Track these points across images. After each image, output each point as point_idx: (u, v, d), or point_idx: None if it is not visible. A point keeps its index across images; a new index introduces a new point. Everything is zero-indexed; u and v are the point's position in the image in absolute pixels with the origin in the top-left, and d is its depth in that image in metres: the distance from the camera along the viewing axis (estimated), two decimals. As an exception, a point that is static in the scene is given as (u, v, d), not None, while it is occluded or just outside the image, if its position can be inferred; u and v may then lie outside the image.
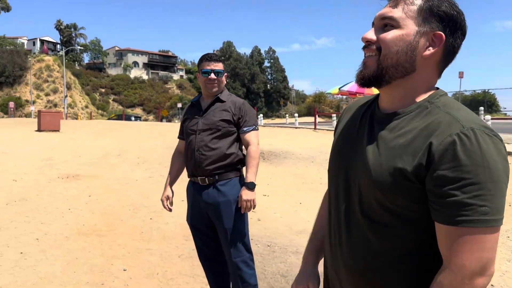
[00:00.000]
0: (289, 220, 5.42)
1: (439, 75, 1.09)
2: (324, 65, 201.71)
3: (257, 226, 5.14)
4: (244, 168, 2.77)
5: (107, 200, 6.45)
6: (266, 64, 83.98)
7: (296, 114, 26.67)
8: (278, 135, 16.29)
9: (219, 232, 2.71)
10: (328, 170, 1.25)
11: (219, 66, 2.70)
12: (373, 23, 1.09)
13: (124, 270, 3.81)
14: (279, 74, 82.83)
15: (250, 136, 2.71)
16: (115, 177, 8.33)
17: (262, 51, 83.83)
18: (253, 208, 2.64)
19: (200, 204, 2.73)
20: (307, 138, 15.01)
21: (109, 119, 40.55)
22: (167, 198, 2.86)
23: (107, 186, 7.47)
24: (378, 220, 1.03)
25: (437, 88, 1.09)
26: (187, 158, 2.74)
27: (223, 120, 2.66)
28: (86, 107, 57.77)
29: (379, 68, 1.03)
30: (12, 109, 40.32)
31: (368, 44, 1.07)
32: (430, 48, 1.02)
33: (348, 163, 1.12)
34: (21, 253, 4.17)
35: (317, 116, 19.38)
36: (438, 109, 0.99)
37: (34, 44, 73.86)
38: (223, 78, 2.76)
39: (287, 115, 40.49)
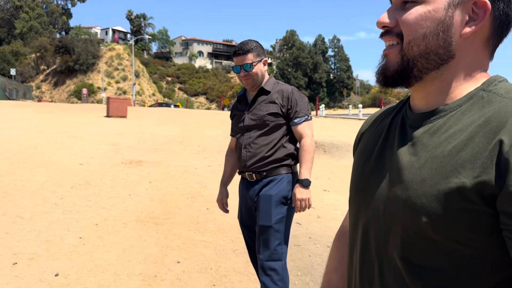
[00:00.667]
0: (351, 219, 5.07)
1: (491, 56, 0.76)
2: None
3: (316, 224, 4.85)
4: (297, 164, 2.49)
5: (166, 187, 6.47)
6: (330, 53, 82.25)
7: (360, 105, 25.79)
8: (341, 127, 15.76)
9: (256, 228, 2.46)
10: (349, 203, 0.91)
11: (247, 59, 2.40)
12: (391, 1, 0.77)
13: (178, 262, 3.71)
14: (343, 64, 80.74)
15: (303, 128, 2.39)
16: (175, 164, 8.40)
17: (326, 40, 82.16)
18: (308, 208, 2.35)
19: (248, 201, 2.52)
20: (372, 130, 14.34)
21: (150, 106, 41.93)
22: (222, 199, 2.72)
23: (167, 173, 7.53)
24: (424, 264, 0.69)
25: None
26: (237, 155, 2.56)
27: (271, 114, 2.39)
28: (153, 94, 60.08)
29: (404, 60, 0.74)
30: (85, 95, 42.88)
31: (386, 30, 0.76)
32: (471, 23, 0.71)
33: (376, 189, 0.79)
34: (80, 238, 4.22)
35: (383, 107, 18.57)
36: (501, 98, 0.68)
37: (106, 33, 78.07)
38: (257, 69, 2.43)
39: (350, 106, 39.39)
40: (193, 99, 69.48)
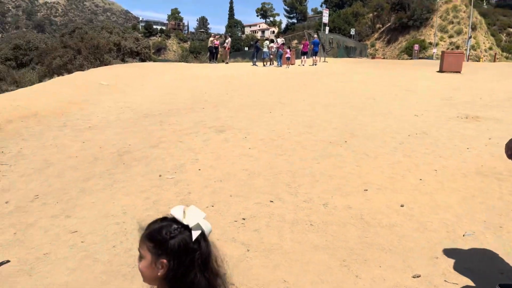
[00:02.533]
0: None
1: None
2: None
3: None
4: None
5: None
6: None
7: None
8: None
9: None
10: None
11: None
12: None
13: (527, 220, 3.43)
14: None
15: None
16: None
17: None
18: None
19: None
20: None
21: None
22: (509, 144, 2.29)
23: (510, 131, 6.81)
24: None
25: None
26: None
27: None
28: (490, 48, 53.57)
29: None
30: (416, 51, 42.79)
31: None
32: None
33: None
34: (420, 179, 4.49)
35: None
36: None
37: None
38: None
39: None
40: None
